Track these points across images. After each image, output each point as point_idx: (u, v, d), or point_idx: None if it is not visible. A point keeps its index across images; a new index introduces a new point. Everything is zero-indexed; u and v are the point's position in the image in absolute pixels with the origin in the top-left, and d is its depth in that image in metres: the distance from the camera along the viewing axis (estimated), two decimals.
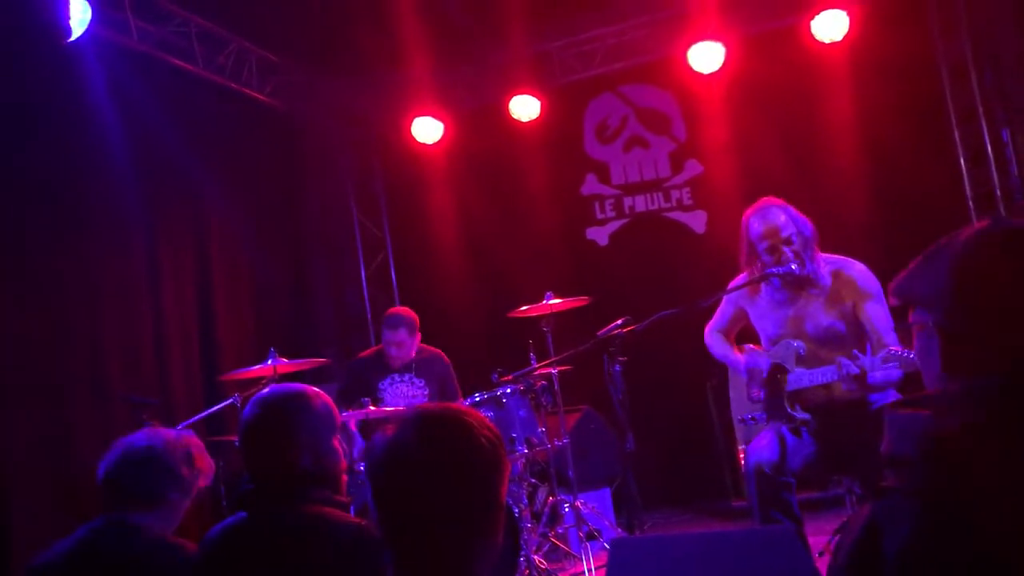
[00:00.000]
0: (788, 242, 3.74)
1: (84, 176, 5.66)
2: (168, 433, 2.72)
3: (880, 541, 1.28)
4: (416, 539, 1.58)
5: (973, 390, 1.32)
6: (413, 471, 1.57)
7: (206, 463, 2.76)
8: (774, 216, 3.78)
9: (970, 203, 6.58)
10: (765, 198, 3.91)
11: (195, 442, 2.74)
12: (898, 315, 3.66)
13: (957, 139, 6.65)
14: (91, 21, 4.95)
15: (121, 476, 2.60)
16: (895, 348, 3.40)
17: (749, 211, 3.90)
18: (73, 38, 4.65)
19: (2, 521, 4.75)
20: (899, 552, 1.25)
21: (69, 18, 4.52)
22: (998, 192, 6.49)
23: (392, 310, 5.76)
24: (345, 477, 2.48)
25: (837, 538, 4.03)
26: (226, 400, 4.93)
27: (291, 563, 2.20)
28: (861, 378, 3.45)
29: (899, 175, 6.53)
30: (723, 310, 4.15)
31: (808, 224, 3.80)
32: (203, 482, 2.75)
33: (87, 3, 4.88)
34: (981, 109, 6.55)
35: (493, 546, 1.63)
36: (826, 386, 3.70)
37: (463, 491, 1.57)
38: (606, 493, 6.13)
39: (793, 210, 3.83)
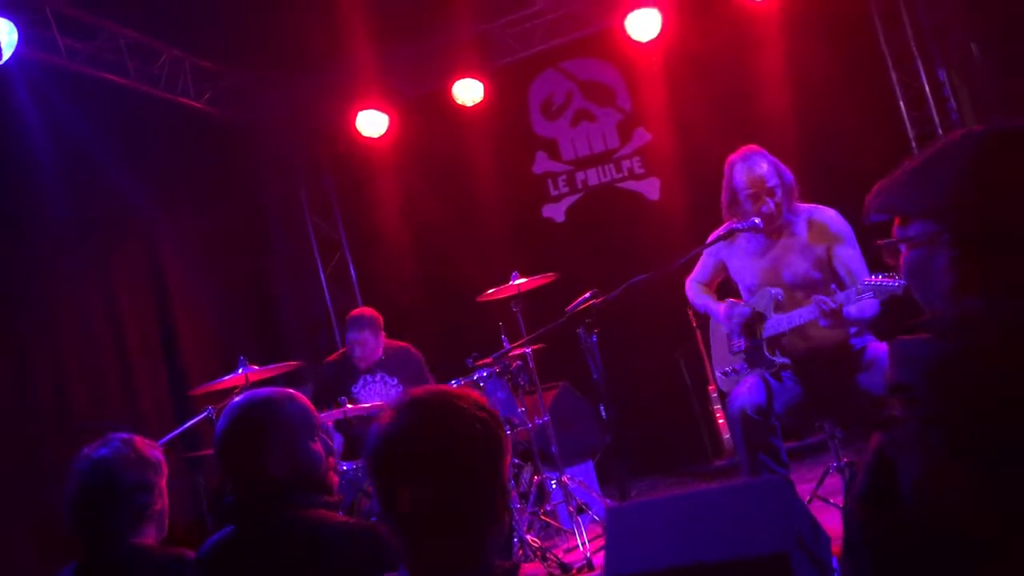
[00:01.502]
0: (771, 192, 3.78)
1: (24, 207, 5.49)
2: (112, 450, 2.48)
3: (892, 471, 1.24)
4: (423, 528, 1.55)
5: (1000, 309, 1.22)
6: (410, 459, 1.54)
7: (157, 450, 2.58)
8: (758, 165, 3.81)
9: (913, 144, 6.69)
10: (748, 146, 3.93)
11: (136, 440, 2.54)
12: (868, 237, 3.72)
13: (895, 82, 6.75)
14: (17, 42, 4.82)
15: (98, 514, 2.43)
16: (867, 278, 3.47)
17: (734, 157, 3.91)
18: (1, 62, 4.50)
19: None
20: (914, 481, 1.22)
21: None
22: (939, 131, 6.61)
23: (354, 312, 5.72)
24: (335, 477, 2.44)
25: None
26: (200, 414, 4.84)
27: (288, 570, 2.17)
28: (837, 312, 3.50)
29: (838, 124, 6.60)
30: (704, 262, 4.20)
31: (789, 173, 3.84)
32: (165, 470, 2.58)
33: (12, 24, 4.74)
34: (916, 51, 6.65)
35: (499, 527, 1.60)
36: (803, 329, 3.75)
37: (463, 475, 1.54)
38: (590, 466, 6.16)
39: (775, 160, 3.87)
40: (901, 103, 6.74)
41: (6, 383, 5.13)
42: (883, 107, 6.75)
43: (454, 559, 1.55)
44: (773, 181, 3.78)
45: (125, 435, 2.50)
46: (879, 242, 1.46)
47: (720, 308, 4.02)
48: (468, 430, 1.56)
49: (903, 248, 1.39)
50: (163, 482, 2.53)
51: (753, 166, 3.81)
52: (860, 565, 1.31)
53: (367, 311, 5.65)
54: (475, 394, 1.64)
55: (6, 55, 4.64)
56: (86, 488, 2.40)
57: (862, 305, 3.56)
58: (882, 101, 6.75)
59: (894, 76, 6.75)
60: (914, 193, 1.36)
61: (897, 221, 1.41)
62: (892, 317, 3.71)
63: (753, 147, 3.89)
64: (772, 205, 3.76)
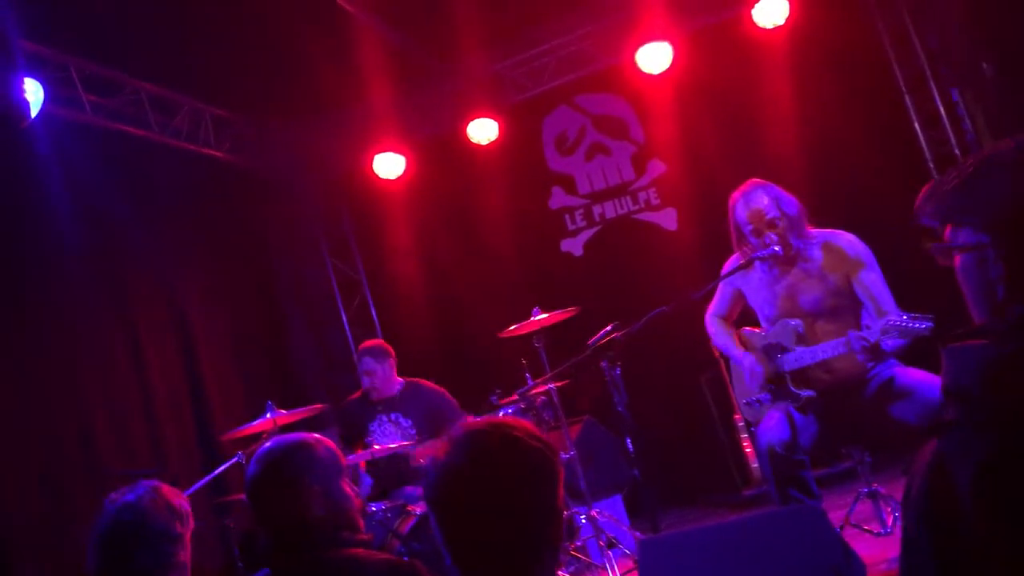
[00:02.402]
0: (772, 225, 3.79)
1: (47, 258, 5.58)
2: (139, 497, 2.47)
3: (950, 476, 1.26)
4: (482, 558, 1.57)
5: None
6: (470, 493, 1.56)
7: (183, 500, 2.55)
8: (757, 199, 3.83)
9: (931, 165, 6.69)
10: (750, 180, 3.96)
11: (163, 488, 2.52)
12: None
13: (909, 105, 6.77)
14: (43, 100, 4.93)
15: (123, 559, 2.40)
16: (894, 318, 3.44)
17: (735, 194, 3.94)
18: (30, 119, 4.61)
19: None
20: (971, 485, 1.23)
21: (25, 100, 4.47)
22: (956, 151, 6.61)
23: (361, 345, 5.73)
24: (360, 520, 2.46)
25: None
26: (230, 460, 4.88)
27: None
28: (876, 347, 3.48)
29: (853, 149, 6.62)
30: (721, 293, 4.18)
31: (793, 203, 3.85)
32: (191, 522, 2.54)
33: (38, 84, 4.85)
34: (929, 72, 6.68)
35: (556, 552, 1.62)
36: (826, 363, 3.74)
37: (522, 505, 1.56)
38: (618, 500, 6.12)
39: (778, 190, 3.88)
40: (916, 125, 6.75)
41: (35, 434, 5.18)
42: (898, 130, 6.76)
43: None
44: (773, 213, 3.79)
45: (153, 482, 2.49)
46: (931, 245, 1.48)
47: (742, 358, 4.01)
48: (524, 460, 1.59)
49: (957, 254, 1.42)
50: (188, 534, 2.50)
51: (751, 201, 3.83)
52: (919, 568, 1.32)
53: (373, 342, 5.66)
54: (528, 423, 1.67)
55: (33, 113, 4.73)
56: (113, 532, 2.39)
57: (894, 342, 3.55)
58: (897, 124, 6.76)
59: (908, 99, 6.77)
60: (963, 201, 1.38)
61: (949, 225, 1.43)
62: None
63: (754, 181, 3.91)
64: (774, 237, 3.77)
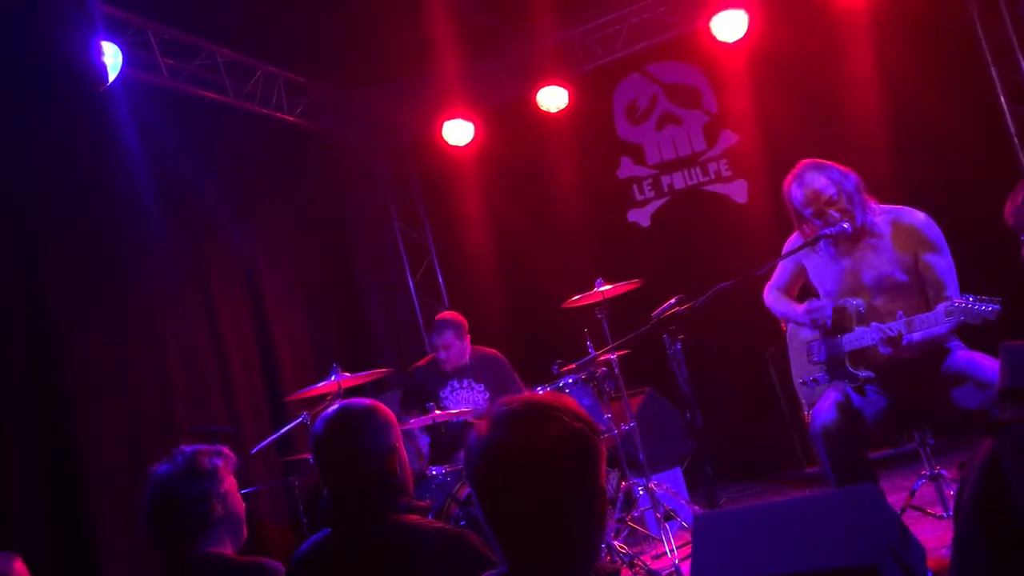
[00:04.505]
0: (831, 203, 3.70)
1: (127, 219, 5.75)
2: (169, 467, 2.58)
3: (1005, 474, 1.24)
4: (524, 535, 1.58)
5: None
6: (511, 471, 1.57)
7: (217, 459, 2.61)
8: (812, 179, 3.75)
9: (1015, 140, 6.44)
10: (802, 161, 3.87)
11: (197, 454, 2.59)
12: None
13: (995, 76, 6.51)
14: (121, 64, 5.06)
15: (164, 528, 2.55)
16: (958, 300, 3.36)
17: (788, 179, 3.87)
18: (108, 83, 4.73)
19: (93, 563, 4.89)
20: None
21: (104, 64, 4.60)
22: None
23: (438, 316, 5.80)
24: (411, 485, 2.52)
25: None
26: (295, 420, 5.00)
27: (383, 573, 2.24)
28: (896, 340, 3.46)
29: (934, 122, 6.43)
30: (783, 267, 4.10)
31: (851, 176, 3.74)
32: (226, 476, 2.61)
33: (117, 47, 4.98)
34: (1016, 43, 6.41)
35: (601, 527, 1.62)
36: None
37: (562, 482, 1.56)
38: (677, 472, 6.11)
39: (832, 166, 3.78)
40: (1002, 98, 6.50)
41: (119, 390, 5.38)
42: (982, 103, 6.52)
43: (556, 563, 1.58)
44: (830, 191, 3.69)
45: (189, 449, 2.61)
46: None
47: (799, 308, 3.92)
48: (565, 438, 1.58)
49: None
50: (223, 487, 2.58)
51: (805, 182, 3.74)
52: (973, 565, 1.31)
53: (450, 314, 5.73)
54: (570, 401, 1.66)
55: (111, 77, 4.86)
56: (151, 503, 2.56)
57: (931, 328, 3.48)
58: (981, 96, 6.52)
59: (994, 70, 6.51)
60: None
61: None
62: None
63: (806, 162, 3.81)
64: (837, 214, 3.68)
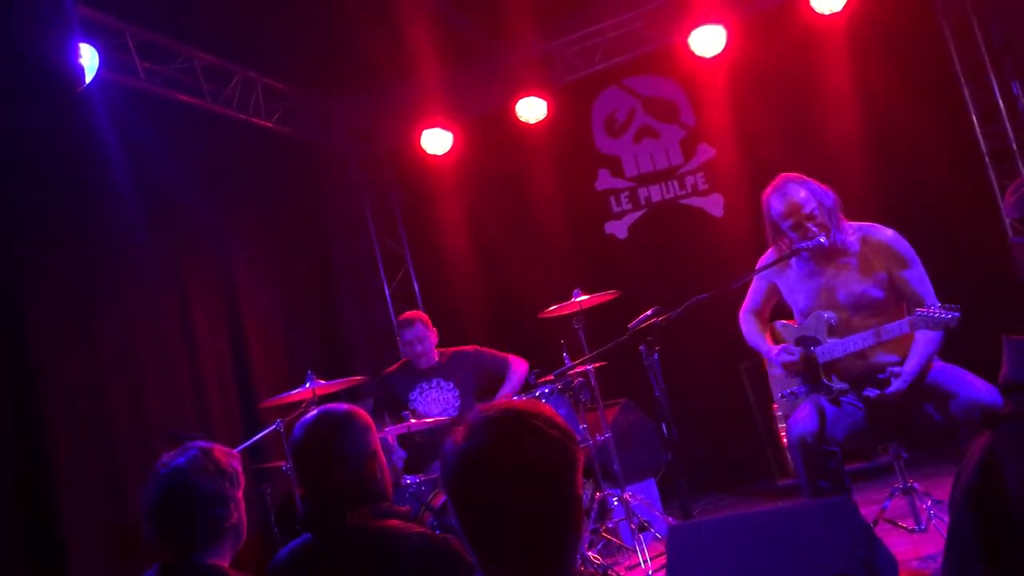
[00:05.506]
0: (811, 217, 3.74)
1: (101, 222, 5.68)
2: (188, 460, 2.37)
3: (1000, 468, 1.25)
4: (500, 543, 1.56)
5: None
6: (489, 477, 1.55)
7: (234, 460, 2.46)
8: (793, 192, 3.78)
9: (987, 159, 6.55)
10: (782, 175, 3.91)
11: (214, 450, 2.42)
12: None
13: (967, 96, 6.61)
14: (98, 66, 5.01)
15: (174, 525, 2.35)
16: (920, 310, 3.43)
17: (767, 190, 3.90)
18: (85, 85, 4.69)
19: (59, 564, 4.81)
20: (1021, 478, 1.22)
21: (80, 65, 4.56)
22: (1014, 146, 6.46)
23: (401, 316, 5.85)
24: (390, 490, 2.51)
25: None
26: (269, 427, 4.96)
27: None
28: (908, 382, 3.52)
29: (908, 139, 6.53)
30: (755, 288, 4.14)
31: (829, 194, 3.79)
32: (242, 480, 2.46)
33: (94, 49, 4.94)
34: (989, 64, 6.51)
35: (577, 537, 1.61)
36: (860, 353, 3.70)
37: (541, 491, 1.54)
38: (651, 484, 6.13)
39: (812, 182, 3.83)
40: (974, 117, 6.60)
41: (88, 391, 5.30)
42: (955, 122, 6.62)
43: (532, 572, 1.56)
44: (811, 205, 3.73)
45: (205, 444, 2.42)
46: (1013, 239, 1.50)
47: (772, 353, 3.96)
48: (542, 446, 1.57)
49: None
50: (239, 493, 2.42)
51: (788, 193, 3.77)
52: (966, 557, 1.31)
53: (412, 312, 5.81)
54: (547, 409, 1.65)
55: (88, 78, 4.82)
56: (163, 498, 2.35)
57: (927, 339, 3.54)
58: (954, 116, 6.63)
59: (966, 90, 6.62)
60: None
61: None
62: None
63: (787, 175, 3.85)
64: (815, 228, 3.72)
